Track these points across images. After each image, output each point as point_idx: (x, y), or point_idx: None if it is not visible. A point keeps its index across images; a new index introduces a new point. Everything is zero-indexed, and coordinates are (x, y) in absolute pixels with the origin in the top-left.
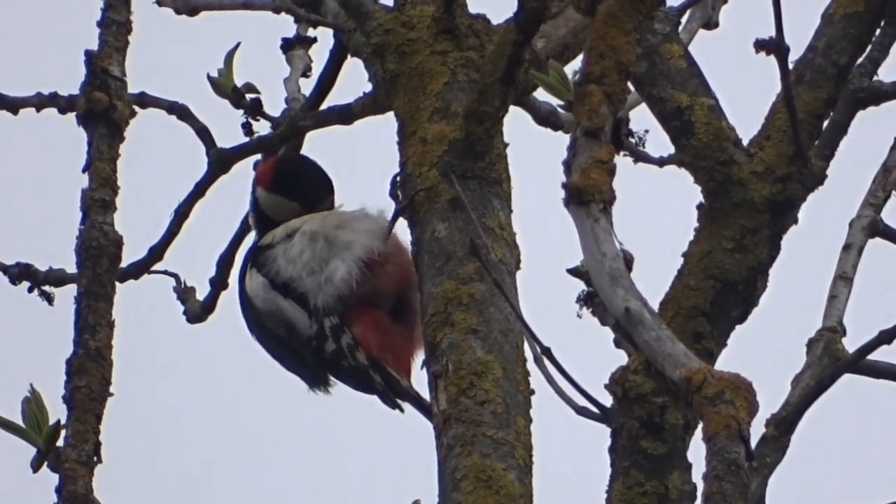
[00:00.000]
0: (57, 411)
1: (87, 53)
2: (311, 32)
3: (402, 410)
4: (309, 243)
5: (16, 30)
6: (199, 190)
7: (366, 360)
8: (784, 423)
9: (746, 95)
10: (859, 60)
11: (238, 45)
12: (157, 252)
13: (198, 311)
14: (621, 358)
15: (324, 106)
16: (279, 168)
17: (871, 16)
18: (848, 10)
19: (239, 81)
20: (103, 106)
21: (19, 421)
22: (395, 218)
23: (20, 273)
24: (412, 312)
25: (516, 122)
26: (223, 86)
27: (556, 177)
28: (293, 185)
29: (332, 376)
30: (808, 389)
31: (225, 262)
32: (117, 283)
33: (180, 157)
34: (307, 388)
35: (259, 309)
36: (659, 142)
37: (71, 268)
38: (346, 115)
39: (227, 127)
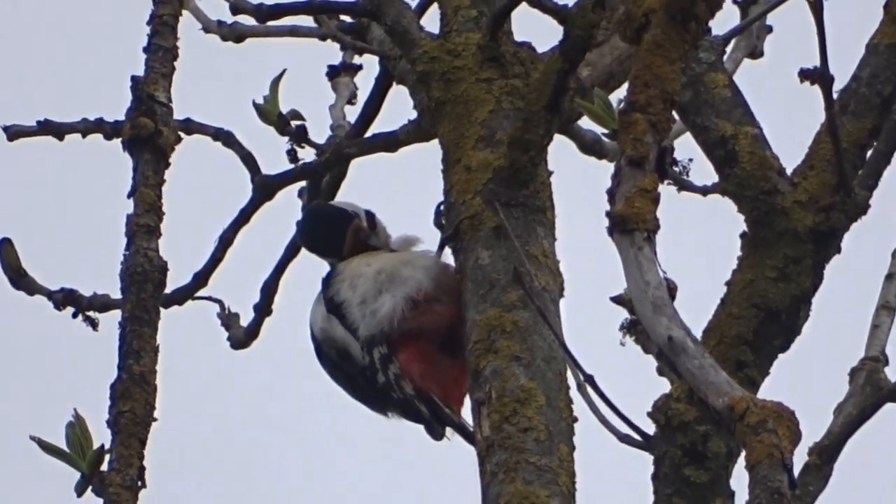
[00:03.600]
0: (101, 436)
1: (134, 79)
2: (356, 59)
3: (447, 438)
4: (374, 275)
5: (62, 55)
6: (244, 216)
7: (412, 391)
8: (827, 452)
9: (791, 125)
10: None
11: (284, 71)
12: (201, 278)
13: (242, 337)
14: (664, 386)
15: (369, 133)
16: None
17: None
18: (892, 40)
19: (284, 108)
20: (149, 132)
21: (63, 446)
22: (441, 247)
23: (64, 298)
24: (463, 345)
25: (561, 150)
26: (268, 112)
27: (600, 205)
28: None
29: (384, 408)
30: (851, 418)
31: (269, 289)
32: (161, 309)
33: (225, 184)
34: (374, 414)
35: (318, 338)
36: (703, 171)
37: (116, 293)
38: (391, 142)
39: (273, 153)
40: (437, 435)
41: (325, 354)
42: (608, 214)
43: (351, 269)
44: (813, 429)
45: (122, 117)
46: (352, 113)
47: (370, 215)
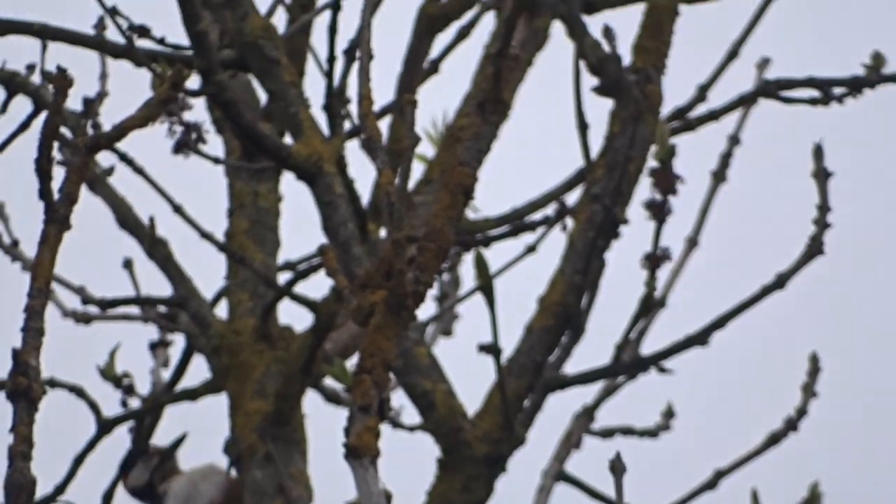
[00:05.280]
0: None
1: (14, 350)
2: (170, 336)
3: None
4: (183, 491)
5: None
6: (91, 445)
7: None
8: None
9: (472, 382)
10: (551, 358)
11: (118, 344)
12: (60, 489)
13: None
14: None
15: (178, 388)
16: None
17: (558, 328)
18: (543, 324)
19: (119, 370)
20: (24, 387)
21: None
22: (229, 468)
23: None
24: None
25: (312, 400)
26: (107, 373)
27: (338, 438)
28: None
29: None
30: None
31: (108, 495)
32: None
33: (76, 423)
34: None
35: None
36: (410, 415)
37: (1, 499)
38: (193, 394)
39: (110, 402)
40: None
41: None
42: (344, 445)
43: (171, 489)
44: None
45: (5, 377)
46: (166, 374)
47: (169, 456)
